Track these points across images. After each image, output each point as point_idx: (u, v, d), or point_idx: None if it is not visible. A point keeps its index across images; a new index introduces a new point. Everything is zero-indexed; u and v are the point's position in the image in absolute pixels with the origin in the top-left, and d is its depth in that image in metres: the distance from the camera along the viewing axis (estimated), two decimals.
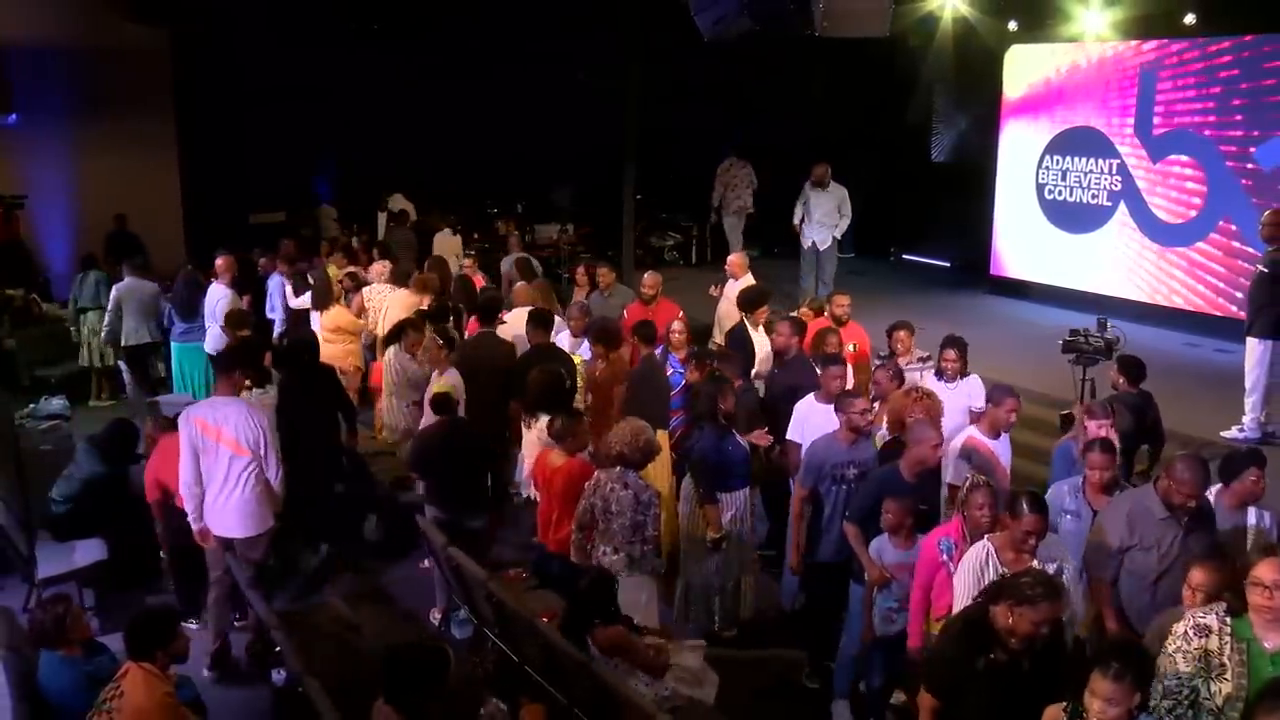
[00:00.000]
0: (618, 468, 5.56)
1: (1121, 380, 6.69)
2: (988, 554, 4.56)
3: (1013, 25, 12.00)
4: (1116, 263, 11.48)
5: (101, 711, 4.35)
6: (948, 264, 14.29)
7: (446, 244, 13.16)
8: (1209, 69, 10.46)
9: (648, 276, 9.12)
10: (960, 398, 6.76)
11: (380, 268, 10.34)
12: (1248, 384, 7.80)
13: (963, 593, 4.56)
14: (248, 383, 6.61)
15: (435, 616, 6.60)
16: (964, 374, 6.95)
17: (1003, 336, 10.79)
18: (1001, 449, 6.02)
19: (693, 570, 6.24)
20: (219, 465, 5.82)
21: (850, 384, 7.01)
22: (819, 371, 6.68)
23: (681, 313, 8.90)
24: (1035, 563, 4.42)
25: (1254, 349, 7.75)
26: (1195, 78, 10.58)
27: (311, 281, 10.16)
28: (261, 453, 5.83)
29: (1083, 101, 11.72)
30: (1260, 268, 7.80)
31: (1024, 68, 12.34)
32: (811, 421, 6.32)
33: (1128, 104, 11.23)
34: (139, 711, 4.29)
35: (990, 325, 11.27)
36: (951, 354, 6.93)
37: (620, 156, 14.06)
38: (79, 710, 4.67)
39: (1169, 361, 9.27)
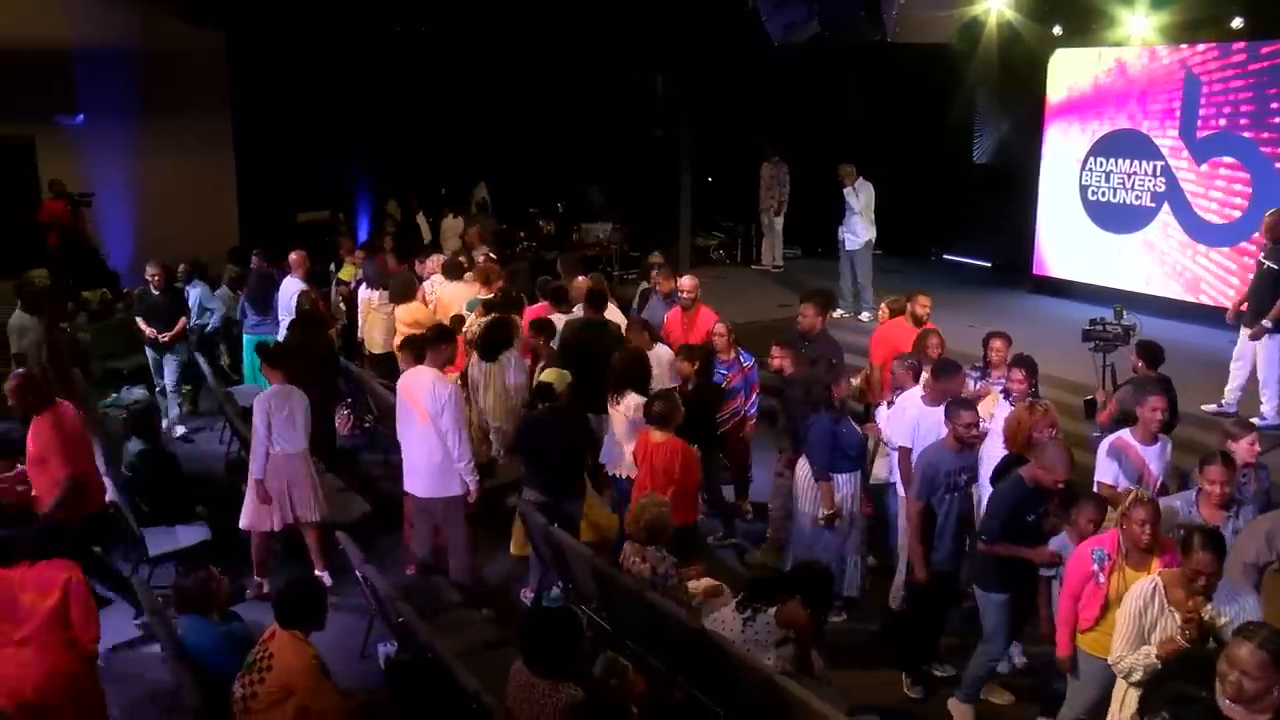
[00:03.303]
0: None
1: (1140, 364, 6.93)
2: (1154, 589, 4.37)
3: (1057, 30, 12.21)
4: (1160, 262, 11.71)
5: (253, 673, 4.64)
6: (988, 264, 14.53)
7: (450, 226, 13.94)
8: (1255, 72, 10.67)
9: (685, 280, 8.73)
10: None
11: (436, 261, 10.65)
12: (1233, 368, 8.49)
13: (1123, 625, 4.41)
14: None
15: (527, 596, 6.86)
16: (1034, 396, 6.60)
17: (1047, 334, 11.00)
18: (1154, 455, 5.86)
19: (801, 549, 6.55)
20: (412, 429, 6.43)
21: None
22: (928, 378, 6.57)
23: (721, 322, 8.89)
24: (1210, 606, 4.24)
25: (1245, 338, 8.40)
26: (1242, 80, 10.79)
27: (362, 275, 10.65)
28: (442, 425, 6.27)
29: (1127, 104, 11.95)
30: (1270, 264, 8.22)
31: (1068, 71, 12.57)
32: (923, 427, 6.27)
33: (1172, 107, 11.45)
34: (289, 673, 4.58)
35: (1035, 323, 11.51)
36: (1019, 374, 6.63)
37: (668, 157, 14.38)
38: (221, 668, 4.99)
39: (1214, 359, 9.47)
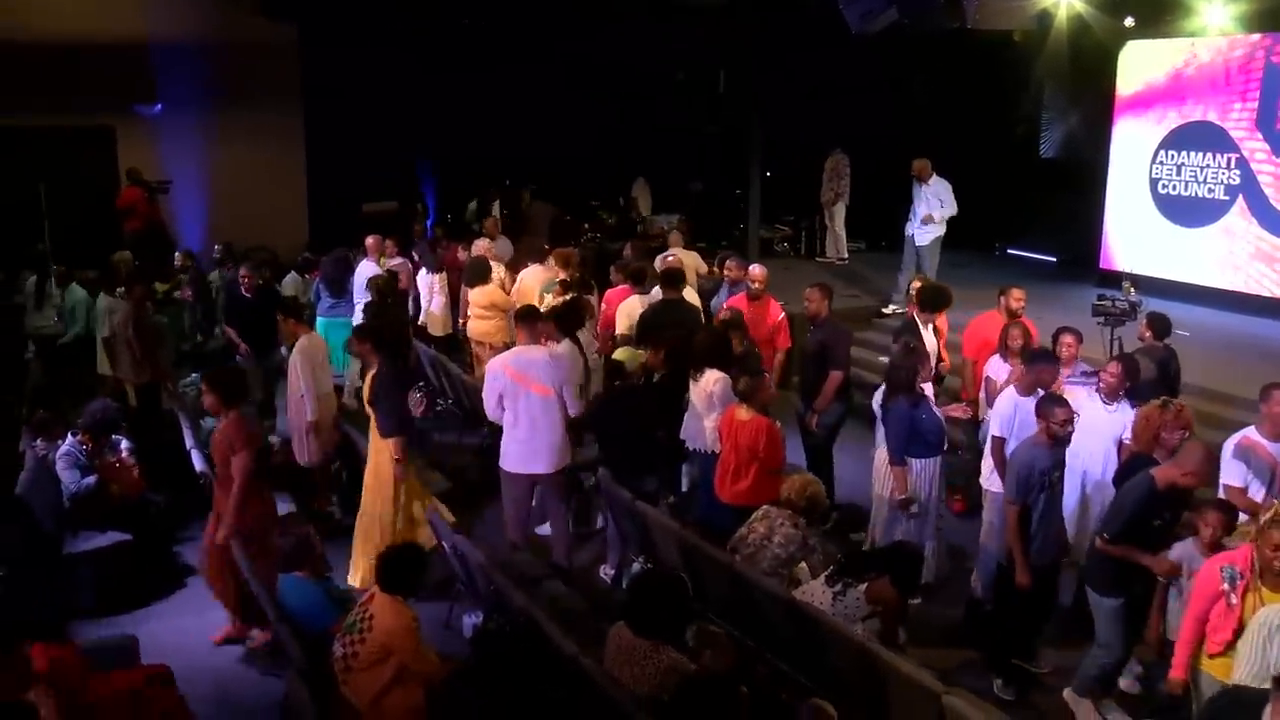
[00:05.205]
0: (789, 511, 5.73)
1: (1149, 334, 7.03)
2: None
3: (1129, 21, 12.07)
4: (1234, 257, 11.53)
5: (353, 633, 4.78)
6: (1054, 258, 14.39)
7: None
8: None
9: (755, 269, 8.81)
10: (1116, 424, 6.24)
11: (485, 245, 10.85)
12: None
13: (1246, 656, 4.14)
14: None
15: (608, 572, 6.95)
16: (1128, 396, 6.33)
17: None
18: None
19: (880, 533, 6.59)
20: (531, 407, 6.47)
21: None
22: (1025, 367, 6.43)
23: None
24: None
25: None
26: None
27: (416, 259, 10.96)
28: (563, 392, 6.46)
29: (1201, 96, 11.78)
30: None
31: (1140, 64, 12.42)
32: (1019, 417, 6.14)
33: (1249, 98, 11.27)
34: (388, 633, 4.71)
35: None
36: (1114, 369, 6.35)
37: (730, 151, 14.40)
38: (320, 626, 5.16)
39: None
